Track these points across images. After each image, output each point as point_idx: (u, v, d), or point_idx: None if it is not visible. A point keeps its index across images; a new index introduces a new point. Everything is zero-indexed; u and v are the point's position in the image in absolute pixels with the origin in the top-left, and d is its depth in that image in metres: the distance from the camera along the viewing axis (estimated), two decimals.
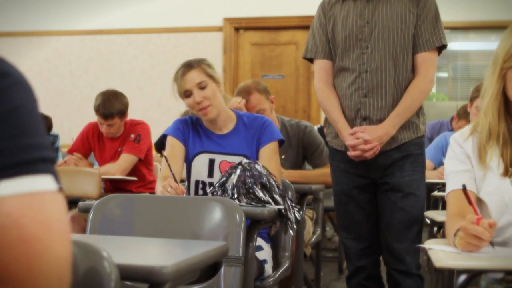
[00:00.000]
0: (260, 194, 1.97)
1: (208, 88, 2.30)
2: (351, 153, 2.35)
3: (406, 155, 2.39)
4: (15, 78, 0.72)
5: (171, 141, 2.37)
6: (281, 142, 2.39)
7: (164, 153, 2.25)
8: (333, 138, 2.50)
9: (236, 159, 2.25)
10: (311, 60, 2.56)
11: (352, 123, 2.40)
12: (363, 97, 2.38)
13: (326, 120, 2.56)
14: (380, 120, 2.36)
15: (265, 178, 2.00)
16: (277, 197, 1.98)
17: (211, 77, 2.33)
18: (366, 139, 2.30)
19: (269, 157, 2.32)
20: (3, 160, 0.68)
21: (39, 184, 0.69)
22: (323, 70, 2.49)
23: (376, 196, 2.46)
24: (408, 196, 2.38)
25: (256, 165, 2.04)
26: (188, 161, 2.39)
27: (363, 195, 2.46)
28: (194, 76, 2.30)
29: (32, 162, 0.70)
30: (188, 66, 2.32)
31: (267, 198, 1.97)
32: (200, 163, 2.35)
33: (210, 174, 2.34)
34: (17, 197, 0.68)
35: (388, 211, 2.40)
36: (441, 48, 2.41)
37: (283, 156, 3.14)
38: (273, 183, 2.01)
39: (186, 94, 2.32)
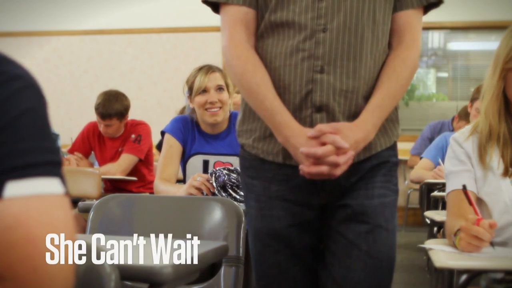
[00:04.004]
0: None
1: (224, 93, 2.39)
2: (310, 169, 1.33)
3: (379, 162, 1.47)
4: (26, 81, 0.72)
5: (169, 140, 2.37)
6: None
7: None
8: (257, 139, 1.48)
9: (229, 159, 2.33)
10: (215, 7, 1.48)
11: (294, 114, 1.39)
12: (318, 72, 1.38)
13: (245, 108, 1.51)
14: (346, 113, 1.41)
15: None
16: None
17: (227, 86, 2.42)
18: (341, 146, 1.31)
19: None
20: (11, 162, 0.68)
21: (47, 186, 0.70)
22: (242, 24, 1.44)
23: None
24: (375, 230, 1.43)
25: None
26: (184, 161, 2.40)
27: (306, 238, 1.49)
28: (217, 78, 2.39)
29: (40, 165, 0.70)
30: (211, 68, 2.41)
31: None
32: (194, 165, 2.38)
33: None
34: (24, 198, 0.68)
35: (344, 259, 1.43)
36: (430, 7, 1.47)
37: None
38: None
39: (202, 91, 2.36)
